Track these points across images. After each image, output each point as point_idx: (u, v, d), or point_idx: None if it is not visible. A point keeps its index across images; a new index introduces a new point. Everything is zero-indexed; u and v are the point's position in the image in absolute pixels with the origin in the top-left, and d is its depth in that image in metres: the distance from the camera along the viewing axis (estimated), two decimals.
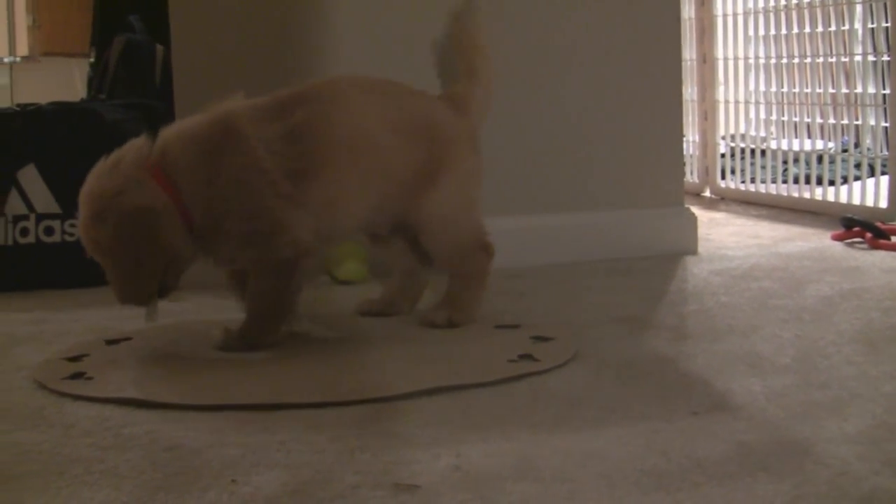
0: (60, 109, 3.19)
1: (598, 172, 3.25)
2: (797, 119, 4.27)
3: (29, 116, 3.14)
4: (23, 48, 6.64)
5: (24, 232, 3.07)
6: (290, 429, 1.70)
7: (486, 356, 2.08)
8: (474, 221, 2.35)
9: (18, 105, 3.25)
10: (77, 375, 2.05)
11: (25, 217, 3.07)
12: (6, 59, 6.56)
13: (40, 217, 3.07)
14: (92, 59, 4.50)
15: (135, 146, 2.17)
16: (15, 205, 3.07)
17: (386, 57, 3.04)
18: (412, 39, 3.06)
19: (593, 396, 1.84)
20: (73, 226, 3.06)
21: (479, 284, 2.37)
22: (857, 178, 4.08)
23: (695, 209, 3.39)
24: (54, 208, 3.07)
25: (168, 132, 2.20)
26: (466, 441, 1.62)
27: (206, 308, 2.63)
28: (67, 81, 6.34)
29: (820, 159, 4.11)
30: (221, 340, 2.20)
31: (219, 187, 2.14)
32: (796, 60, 4.22)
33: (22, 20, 6.61)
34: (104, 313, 2.63)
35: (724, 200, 4.53)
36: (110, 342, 2.31)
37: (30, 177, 3.08)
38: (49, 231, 3.07)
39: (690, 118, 4.69)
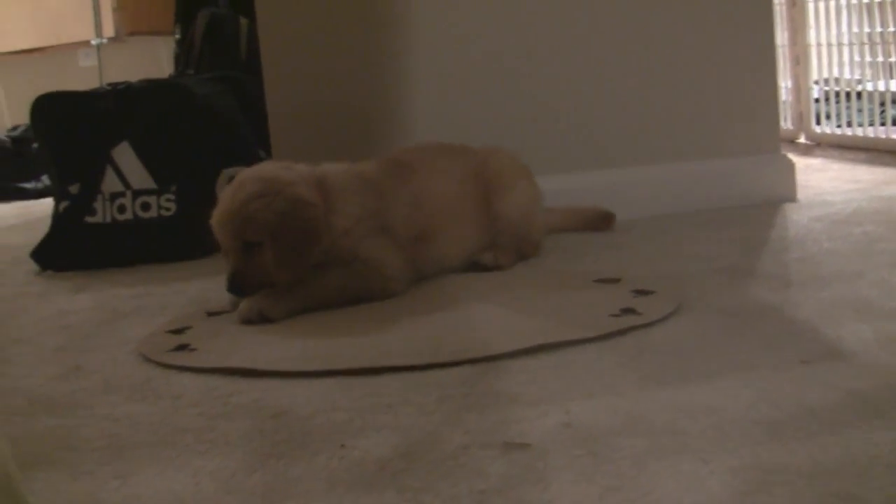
0: (150, 87, 3.22)
1: (692, 122, 3.21)
2: (892, 59, 4.16)
3: (120, 95, 3.17)
4: (108, 29, 6.70)
5: (122, 209, 3.10)
6: (397, 392, 1.70)
7: (588, 312, 2.07)
8: None
9: (109, 85, 3.28)
10: (181, 347, 2.07)
11: (122, 194, 3.10)
12: (93, 41, 6.62)
13: (136, 193, 3.10)
14: (177, 36, 4.53)
15: (298, 164, 2.38)
16: (111, 182, 3.11)
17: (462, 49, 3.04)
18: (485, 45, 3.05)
19: (699, 348, 1.82)
20: (169, 200, 3.09)
21: None
22: None
23: (791, 156, 3.33)
24: (149, 184, 3.10)
25: (324, 167, 2.41)
26: (574, 398, 1.60)
27: None
28: (154, 60, 6.39)
29: None
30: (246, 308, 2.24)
31: (358, 221, 2.35)
32: None
33: (107, 1, 6.66)
34: (204, 285, 2.65)
35: (820, 146, 4.44)
36: (212, 314, 2.33)
37: (124, 154, 3.11)
38: (146, 206, 3.10)
39: (782, 63, 4.60)
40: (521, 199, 2.65)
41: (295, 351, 1.98)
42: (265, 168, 2.37)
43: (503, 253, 2.58)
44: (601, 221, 2.96)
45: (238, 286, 2.27)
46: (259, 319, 2.21)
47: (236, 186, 2.29)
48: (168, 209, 3.08)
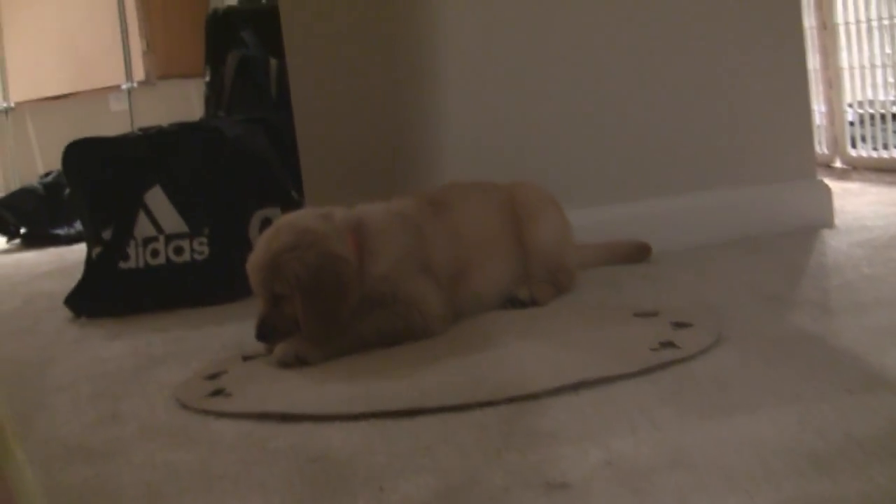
0: (182, 130, 3.23)
1: (725, 150, 3.18)
2: None
3: (151, 139, 3.17)
4: (139, 73, 6.78)
5: (155, 253, 3.10)
6: (436, 433, 1.68)
7: (628, 346, 2.04)
8: None
9: (140, 129, 3.29)
10: (217, 392, 2.06)
11: (155, 239, 3.11)
12: (124, 86, 6.70)
13: (169, 237, 3.10)
14: (207, 78, 4.55)
15: (340, 210, 2.36)
16: (144, 227, 3.11)
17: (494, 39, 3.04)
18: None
19: (741, 379, 1.79)
20: (202, 244, 3.09)
21: None
22: None
23: (826, 180, 3.29)
24: (182, 227, 3.10)
25: (362, 209, 2.40)
26: (615, 434, 1.58)
27: None
28: (184, 102, 6.46)
29: None
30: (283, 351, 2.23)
31: (398, 263, 2.33)
32: None
33: (136, 46, 6.74)
34: (238, 328, 2.65)
35: (857, 169, 4.40)
36: (247, 358, 2.32)
37: (156, 198, 3.12)
38: (179, 250, 3.10)
39: (814, 87, 4.56)
40: (551, 228, 2.64)
41: (332, 394, 1.97)
42: (301, 217, 2.34)
43: (539, 287, 2.56)
44: (637, 253, 2.94)
45: (265, 335, 2.26)
46: (296, 363, 2.19)
47: (271, 235, 2.28)
48: (201, 253, 3.08)
